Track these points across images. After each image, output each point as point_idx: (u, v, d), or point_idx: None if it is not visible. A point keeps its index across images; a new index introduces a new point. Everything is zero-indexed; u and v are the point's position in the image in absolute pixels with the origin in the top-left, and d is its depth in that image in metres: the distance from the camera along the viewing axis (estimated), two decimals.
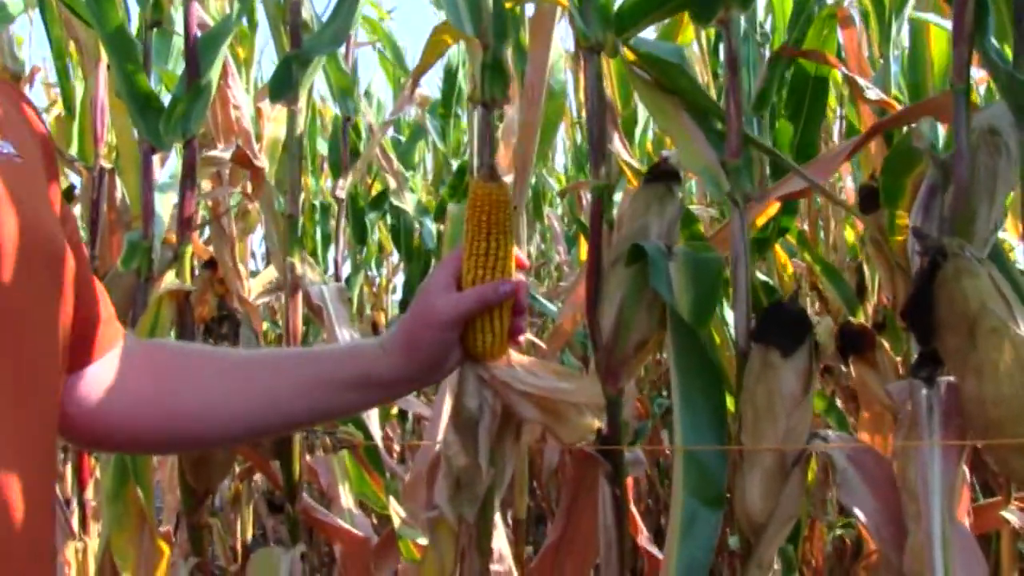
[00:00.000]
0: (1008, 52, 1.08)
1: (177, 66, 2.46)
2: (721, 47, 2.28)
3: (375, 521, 3.51)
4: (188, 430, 0.97)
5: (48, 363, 0.80)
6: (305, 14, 1.93)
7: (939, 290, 1.03)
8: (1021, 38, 1.04)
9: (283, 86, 1.70)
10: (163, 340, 1.03)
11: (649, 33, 2.31)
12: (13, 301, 0.75)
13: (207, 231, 2.73)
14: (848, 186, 3.75)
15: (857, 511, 1.12)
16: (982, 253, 1.08)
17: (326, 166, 4.78)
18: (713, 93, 2.59)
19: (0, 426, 0.72)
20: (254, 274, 3.00)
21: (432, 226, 3.84)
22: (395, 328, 1.04)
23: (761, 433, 1.13)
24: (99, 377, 0.92)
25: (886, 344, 2.05)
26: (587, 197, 3.25)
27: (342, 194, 2.76)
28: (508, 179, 2.12)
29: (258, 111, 3.49)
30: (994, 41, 1.08)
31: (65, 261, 0.81)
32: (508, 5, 1.39)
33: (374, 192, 4.37)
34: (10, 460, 0.73)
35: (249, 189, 3.42)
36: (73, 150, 3.19)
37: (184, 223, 1.83)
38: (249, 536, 3.71)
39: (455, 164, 4.29)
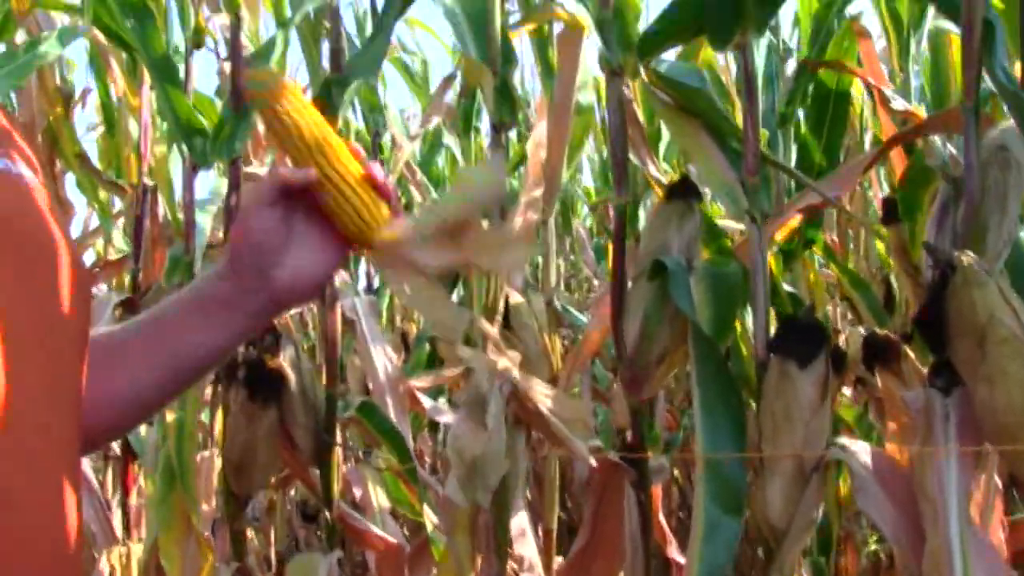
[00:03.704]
0: (1017, 72, 1.12)
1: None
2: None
3: (406, 531, 3.56)
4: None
5: (76, 365, 0.84)
6: None
7: (950, 301, 1.06)
8: None
9: (323, 108, 1.76)
10: None
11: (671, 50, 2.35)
12: (75, 326, 0.79)
13: None
14: (881, 196, 3.74)
15: (875, 517, 1.16)
16: (995, 265, 1.12)
17: None
18: (738, 104, 2.63)
19: (40, 429, 0.76)
20: None
21: None
22: None
23: (780, 441, 1.17)
24: None
25: (912, 355, 2.07)
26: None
27: None
28: (538, 192, 2.18)
29: None
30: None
31: (66, 263, 0.83)
32: (513, 35, 1.45)
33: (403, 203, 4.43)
34: (55, 470, 0.77)
35: None
36: (111, 171, 3.29)
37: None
38: (282, 545, 3.78)
39: None
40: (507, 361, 1.31)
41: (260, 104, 0.95)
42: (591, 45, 1.95)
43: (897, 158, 2.21)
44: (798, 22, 2.52)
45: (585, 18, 1.28)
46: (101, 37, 2.52)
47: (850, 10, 2.21)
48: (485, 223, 1.00)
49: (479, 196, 0.97)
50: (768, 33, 2.41)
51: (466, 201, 0.96)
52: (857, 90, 2.51)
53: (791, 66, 2.47)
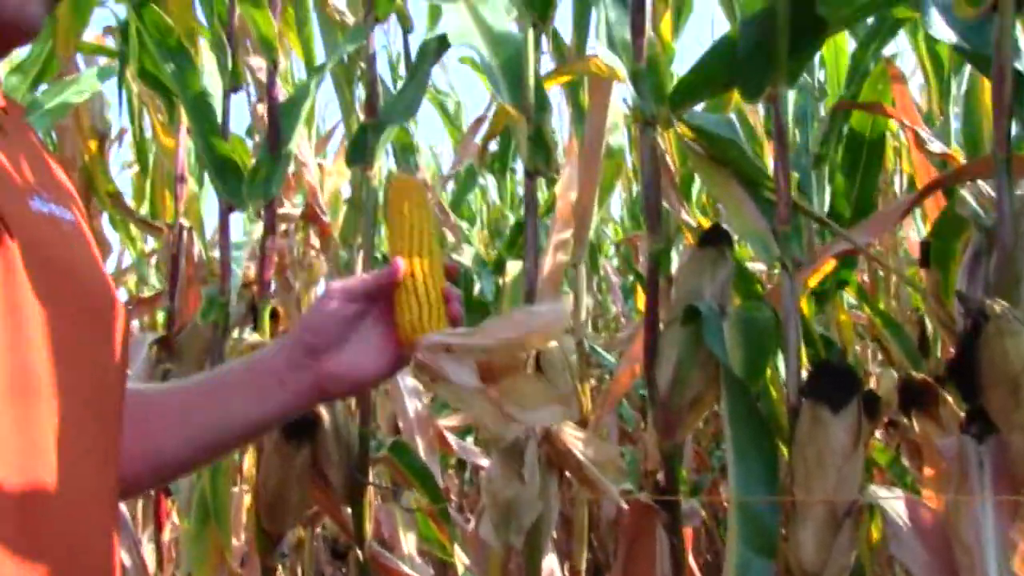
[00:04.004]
0: None
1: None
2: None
3: (431, 570, 3.56)
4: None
5: (118, 414, 0.87)
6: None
7: (982, 350, 1.07)
8: None
9: (360, 152, 1.80)
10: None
11: None
12: (97, 363, 0.82)
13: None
14: (912, 237, 3.74)
15: (910, 565, 1.15)
16: None
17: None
18: (767, 146, 2.64)
19: (82, 477, 0.79)
20: None
21: (491, 279, 3.91)
22: None
23: (813, 486, 1.18)
24: None
25: (950, 399, 2.05)
26: (643, 247, 3.29)
27: None
28: (567, 234, 2.19)
29: (319, 166, 3.62)
30: None
31: (118, 314, 0.87)
32: (548, 84, 1.47)
33: None
34: (95, 509, 0.79)
35: (313, 241, 3.54)
36: (144, 207, 3.35)
37: (264, 281, 1.94)
38: None
39: (512, 218, 4.38)
40: None
41: (397, 200, 1.02)
42: (621, 88, 1.98)
43: (930, 200, 2.21)
44: (823, 64, 2.54)
45: (620, 70, 1.31)
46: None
47: (887, 51, 2.21)
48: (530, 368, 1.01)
49: (534, 333, 0.98)
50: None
51: (518, 335, 0.97)
52: (890, 128, 2.51)
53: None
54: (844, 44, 2.42)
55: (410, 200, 1.02)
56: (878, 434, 2.74)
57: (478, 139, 3.96)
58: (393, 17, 2.09)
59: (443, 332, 0.96)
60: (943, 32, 1.21)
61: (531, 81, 1.44)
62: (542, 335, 0.99)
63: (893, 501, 1.20)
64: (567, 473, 1.34)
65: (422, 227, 1.01)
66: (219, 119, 2.09)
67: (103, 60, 3.09)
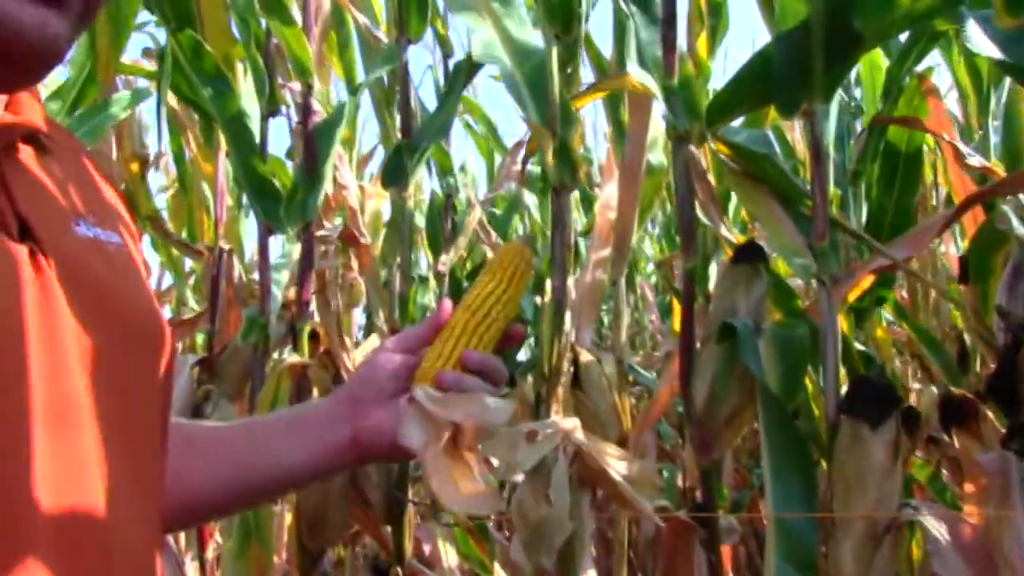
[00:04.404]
0: None
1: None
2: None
3: None
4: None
5: (159, 441, 0.87)
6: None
7: (1023, 365, 1.06)
8: None
9: (395, 173, 1.82)
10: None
11: None
12: (127, 388, 0.82)
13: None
14: (952, 252, 3.69)
15: None
16: None
17: (419, 239, 4.91)
18: (808, 164, 2.62)
19: (122, 503, 0.79)
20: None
21: (530, 298, 3.91)
22: None
23: (852, 502, 1.17)
24: None
25: (991, 414, 2.03)
26: (679, 264, 3.28)
27: (444, 269, 2.87)
28: (606, 252, 2.19)
29: (360, 188, 3.66)
30: None
31: (165, 339, 0.85)
32: (576, 105, 1.47)
33: (469, 266, 4.49)
34: (135, 533, 0.79)
35: (353, 263, 3.58)
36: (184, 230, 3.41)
37: (303, 302, 1.96)
38: None
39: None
40: (570, 423, 1.33)
41: (496, 263, 1.02)
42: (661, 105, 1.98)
43: (968, 215, 2.19)
44: (860, 81, 2.53)
45: (653, 86, 1.31)
46: (173, 99, 2.63)
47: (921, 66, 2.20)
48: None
49: (480, 424, 0.95)
50: (839, 90, 2.41)
51: (466, 420, 0.94)
52: (927, 142, 2.49)
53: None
54: (879, 61, 2.41)
55: (505, 266, 1.02)
56: (918, 450, 2.71)
57: (518, 162, 3.97)
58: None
59: (425, 390, 0.95)
60: (982, 44, 1.20)
61: (555, 95, 1.44)
62: (487, 427, 0.95)
63: (934, 518, 1.19)
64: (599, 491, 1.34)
65: (499, 292, 1.00)
66: (257, 142, 2.13)
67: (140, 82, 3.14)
